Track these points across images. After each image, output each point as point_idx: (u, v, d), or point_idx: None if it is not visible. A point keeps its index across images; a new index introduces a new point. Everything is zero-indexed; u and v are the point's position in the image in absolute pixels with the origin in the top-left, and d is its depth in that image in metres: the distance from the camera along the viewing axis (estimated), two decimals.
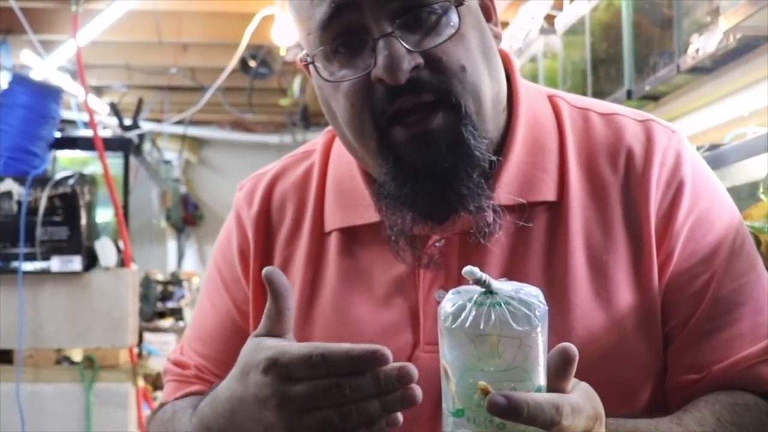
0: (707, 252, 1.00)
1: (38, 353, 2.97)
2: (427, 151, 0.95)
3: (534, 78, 3.09)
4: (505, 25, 3.60)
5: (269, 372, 0.82)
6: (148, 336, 4.82)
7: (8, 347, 2.94)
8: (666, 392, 1.01)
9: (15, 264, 2.87)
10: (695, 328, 0.99)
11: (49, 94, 3.13)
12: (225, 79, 4.59)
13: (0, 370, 2.93)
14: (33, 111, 3.02)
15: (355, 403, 0.79)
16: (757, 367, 0.98)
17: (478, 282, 0.78)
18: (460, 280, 0.84)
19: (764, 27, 1.73)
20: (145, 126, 5.42)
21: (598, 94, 2.60)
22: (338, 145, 1.10)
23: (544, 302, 0.78)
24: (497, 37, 1.02)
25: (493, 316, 0.76)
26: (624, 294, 0.98)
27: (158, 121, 6.41)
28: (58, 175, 2.95)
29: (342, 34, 0.95)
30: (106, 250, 2.97)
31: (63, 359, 3.07)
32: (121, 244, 3.05)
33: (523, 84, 1.07)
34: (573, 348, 0.78)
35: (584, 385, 0.82)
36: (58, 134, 3.22)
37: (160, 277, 6.46)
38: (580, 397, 0.79)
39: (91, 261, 2.96)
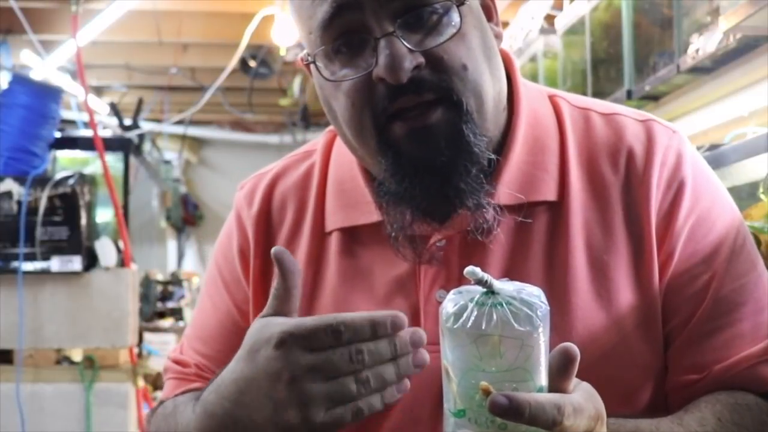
0: (708, 252, 1.00)
1: (38, 353, 2.97)
2: (426, 146, 0.95)
3: (534, 78, 3.09)
4: (505, 25, 3.59)
5: (282, 346, 0.82)
6: (148, 336, 4.82)
7: (8, 347, 2.94)
8: (667, 392, 1.01)
9: (15, 264, 2.87)
10: (696, 328, 0.99)
11: (49, 94, 3.13)
12: (225, 79, 4.59)
13: (0, 370, 2.93)
14: (33, 111, 3.01)
15: (372, 369, 0.81)
16: (757, 367, 0.98)
17: (480, 282, 0.78)
18: (461, 280, 0.84)
19: (764, 27, 1.73)
20: (145, 126, 5.42)
21: (598, 94, 2.61)
22: (339, 145, 1.10)
23: (546, 302, 0.78)
24: (498, 37, 1.03)
25: (494, 317, 0.76)
26: (624, 294, 0.98)
27: (158, 121, 6.41)
28: (58, 175, 2.95)
29: (343, 33, 0.95)
30: (106, 250, 2.97)
31: (63, 359, 3.07)
32: (121, 244, 3.05)
33: (524, 84, 1.07)
34: (574, 348, 0.78)
35: (586, 385, 0.82)
36: (58, 134, 3.22)
37: (160, 277, 6.46)
38: (582, 397, 0.80)
39: (91, 261, 2.96)
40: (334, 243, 1.07)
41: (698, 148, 1.75)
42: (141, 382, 3.12)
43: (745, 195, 1.70)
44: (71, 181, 2.91)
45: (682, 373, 0.99)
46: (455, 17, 0.95)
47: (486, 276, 0.78)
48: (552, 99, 1.09)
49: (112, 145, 3.29)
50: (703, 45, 1.97)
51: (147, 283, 5.81)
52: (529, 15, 3.32)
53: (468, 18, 0.96)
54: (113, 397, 2.97)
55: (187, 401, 1.03)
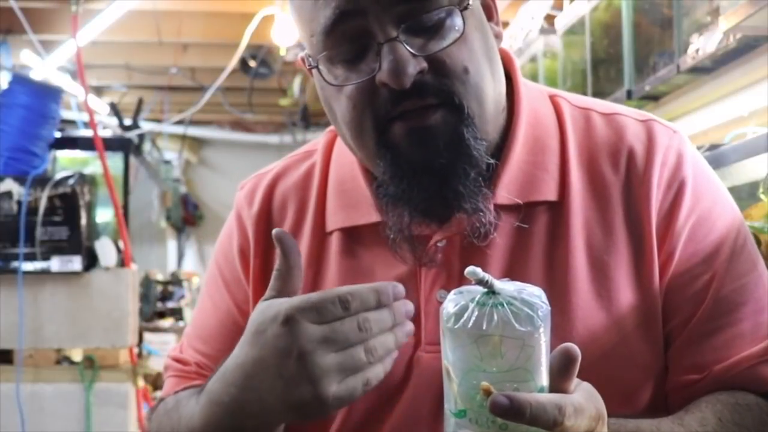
0: (708, 252, 1.00)
1: (38, 353, 2.97)
2: (425, 147, 0.95)
3: (534, 78, 3.09)
4: (505, 25, 3.59)
5: (289, 322, 0.82)
6: (148, 336, 4.83)
7: (8, 347, 2.94)
8: (667, 392, 1.01)
9: (15, 264, 2.87)
10: (696, 328, 0.99)
11: (49, 94, 3.13)
12: (225, 79, 4.59)
13: (0, 370, 2.93)
14: (33, 111, 3.01)
15: (377, 337, 0.83)
16: (758, 367, 0.98)
17: (481, 282, 0.78)
18: (462, 281, 0.84)
19: (764, 27, 1.73)
20: (145, 126, 5.42)
21: (598, 94, 2.60)
22: (340, 145, 1.10)
23: (547, 302, 0.78)
24: (498, 37, 1.03)
25: (495, 317, 0.76)
26: (625, 294, 0.98)
27: (158, 121, 6.41)
28: (58, 175, 2.95)
29: (346, 39, 0.95)
30: (106, 250, 2.97)
31: (63, 359, 3.07)
32: (121, 244, 3.05)
33: (524, 84, 1.07)
34: (575, 348, 0.78)
35: (586, 385, 0.82)
36: (58, 134, 3.22)
37: (160, 277, 6.46)
38: (583, 398, 0.79)
39: (91, 261, 2.96)
40: (334, 243, 1.07)
41: (698, 148, 1.75)
42: (141, 382, 3.12)
43: (745, 195, 1.70)
44: (71, 181, 2.91)
45: (683, 373, 0.99)
46: (458, 21, 0.95)
47: (487, 276, 0.78)
48: (552, 99, 1.09)
49: (112, 145, 3.29)
50: (703, 45, 1.97)
51: (147, 283, 5.81)
52: (529, 15, 3.32)
53: (470, 20, 0.96)
54: (113, 397, 2.97)
55: (190, 395, 1.02)
